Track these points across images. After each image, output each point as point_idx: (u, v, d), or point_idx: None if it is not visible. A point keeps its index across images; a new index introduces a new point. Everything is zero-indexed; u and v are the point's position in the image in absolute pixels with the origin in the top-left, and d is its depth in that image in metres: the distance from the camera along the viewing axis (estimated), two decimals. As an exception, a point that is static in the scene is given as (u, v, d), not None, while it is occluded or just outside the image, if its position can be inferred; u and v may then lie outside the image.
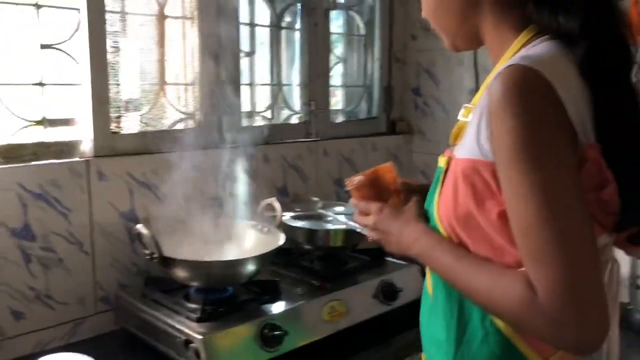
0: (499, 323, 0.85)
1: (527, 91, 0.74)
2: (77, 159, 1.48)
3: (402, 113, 2.46)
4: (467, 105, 0.91)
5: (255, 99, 2.01)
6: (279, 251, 1.67)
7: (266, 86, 2.06)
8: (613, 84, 0.80)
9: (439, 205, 0.89)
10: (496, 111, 0.75)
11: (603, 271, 0.79)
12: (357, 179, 1.10)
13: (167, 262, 1.34)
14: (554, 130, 0.74)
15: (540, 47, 0.81)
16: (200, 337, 1.23)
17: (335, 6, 2.12)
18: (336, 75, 2.31)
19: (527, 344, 0.84)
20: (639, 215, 0.82)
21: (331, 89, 2.23)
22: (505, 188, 0.76)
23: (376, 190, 1.10)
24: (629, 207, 0.79)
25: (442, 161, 0.92)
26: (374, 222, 1.03)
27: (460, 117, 0.92)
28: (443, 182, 0.89)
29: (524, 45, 0.84)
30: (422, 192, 1.27)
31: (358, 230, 1.17)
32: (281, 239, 1.48)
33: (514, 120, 0.73)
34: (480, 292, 0.81)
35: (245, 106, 1.96)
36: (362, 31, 2.34)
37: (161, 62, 1.69)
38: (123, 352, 1.44)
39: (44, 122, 1.47)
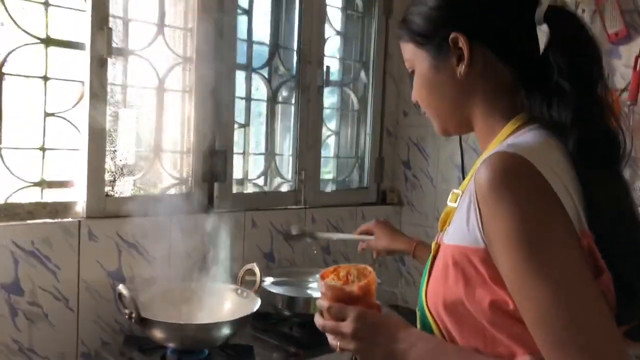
0: None
1: (515, 176, 0.74)
2: (69, 219, 1.58)
3: (392, 184, 2.55)
4: (455, 190, 0.90)
5: (247, 167, 2.11)
6: (258, 316, 1.73)
7: (260, 155, 2.17)
8: (604, 175, 0.80)
9: (427, 291, 0.87)
10: (486, 198, 0.75)
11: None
12: (348, 289, 0.91)
13: (144, 322, 1.40)
14: (548, 212, 0.73)
15: (528, 135, 0.82)
16: (168, 397, 1.28)
17: (329, 84, 2.25)
18: (329, 147, 2.42)
19: None
20: (636, 310, 0.80)
21: (323, 159, 2.34)
22: (508, 276, 0.75)
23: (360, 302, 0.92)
24: (625, 300, 0.77)
25: (433, 247, 0.91)
26: (355, 330, 0.86)
27: (448, 202, 0.90)
28: (431, 268, 0.88)
29: (512, 133, 0.85)
30: None
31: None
32: (257, 305, 1.53)
33: (506, 206, 0.73)
34: None
35: (238, 174, 2.06)
36: (356, 106, 2.46)
37: (158, 130, 1.81)
38: (97, 409, 1.48)
39: (42, 183, 1.58)
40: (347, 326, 0.87)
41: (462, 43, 0.86)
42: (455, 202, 0.87)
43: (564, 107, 0.79)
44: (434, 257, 0.88)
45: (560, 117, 0.80)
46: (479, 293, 0.78)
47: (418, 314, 0.92)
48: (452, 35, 0.86)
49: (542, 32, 0.83)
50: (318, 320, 0.93)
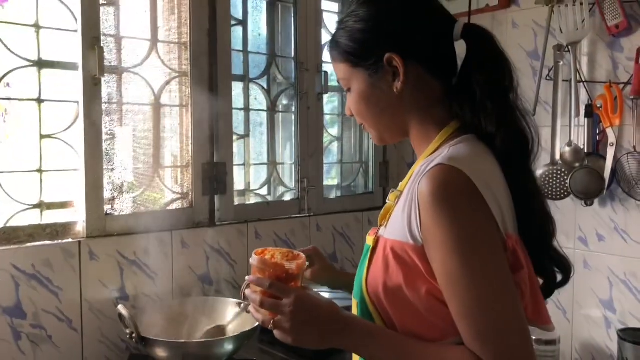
0: None
1: (454, 192, 0.84)
2: (69, 240, 1.57)
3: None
4: (394, 190, 0.98)
5: (249, 178, 2.10)
6: (265, 329, 1.72)
7: (262, 165, 2.15)
8: (524, 172, 0.94)
9: (368, 278, 0.94)
10: (427, 207, 0.84)
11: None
12: (288, 266, 0.96)
13: (145, 342, 1.39)
14: (481, 222, 0.84)
15: (463, 146, 0.91)
16: (170, 418, 1.27)
17: (328, 90, 2.23)
18: (333, 153, 2.40)
19: None
20: (553, 286, 0.96)
21: (327, 165, 2.32)
22: (440, 274, 0.84)
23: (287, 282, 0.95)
24: (548, 279, 0.94)
25: (369, 240, 0.98)
26: (295, 311, 0.89)
27: (388, 200, 0.98)
28: (371, 258, 0.95)
29: (446, 140, 0.94)
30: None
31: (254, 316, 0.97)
32: (259, 319, 1.51)
33: (445, 217, 0.82)
34: None
35: (239, 185, 2.05)
36: (358, 111, 2.43)
37: (156, 146, 1.80)
38: None
39: (42, 205, 1.58)
40: (287, 306, 0.90)
41: (397, 62, 0.94)
42: (395, 201, 0.95)
43: (488, 119, 0.91)
44: (374, 249, 0.95)
45: (486, 126, 0.91)
46: (417, 283, 0.87)
47: (355, 302, 0.98)
48: (386, 56, 0.94)
49: (460, 47, 0.95)
50: (252, 295, 0.94)
